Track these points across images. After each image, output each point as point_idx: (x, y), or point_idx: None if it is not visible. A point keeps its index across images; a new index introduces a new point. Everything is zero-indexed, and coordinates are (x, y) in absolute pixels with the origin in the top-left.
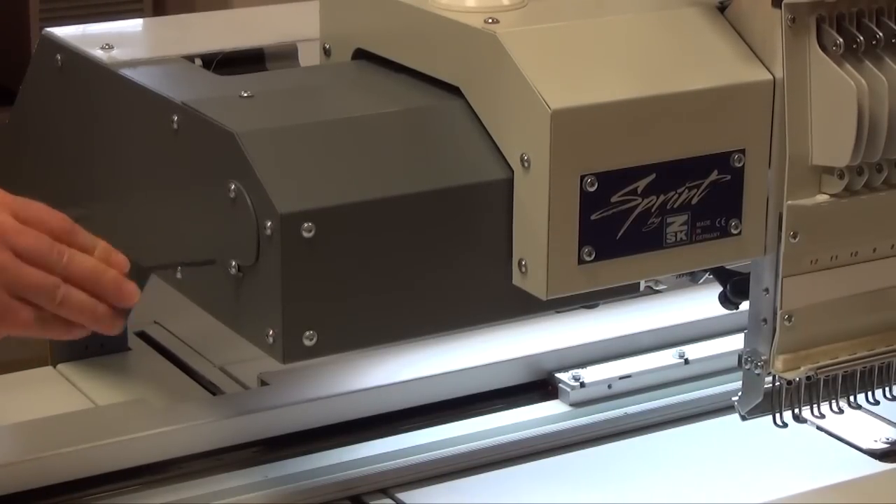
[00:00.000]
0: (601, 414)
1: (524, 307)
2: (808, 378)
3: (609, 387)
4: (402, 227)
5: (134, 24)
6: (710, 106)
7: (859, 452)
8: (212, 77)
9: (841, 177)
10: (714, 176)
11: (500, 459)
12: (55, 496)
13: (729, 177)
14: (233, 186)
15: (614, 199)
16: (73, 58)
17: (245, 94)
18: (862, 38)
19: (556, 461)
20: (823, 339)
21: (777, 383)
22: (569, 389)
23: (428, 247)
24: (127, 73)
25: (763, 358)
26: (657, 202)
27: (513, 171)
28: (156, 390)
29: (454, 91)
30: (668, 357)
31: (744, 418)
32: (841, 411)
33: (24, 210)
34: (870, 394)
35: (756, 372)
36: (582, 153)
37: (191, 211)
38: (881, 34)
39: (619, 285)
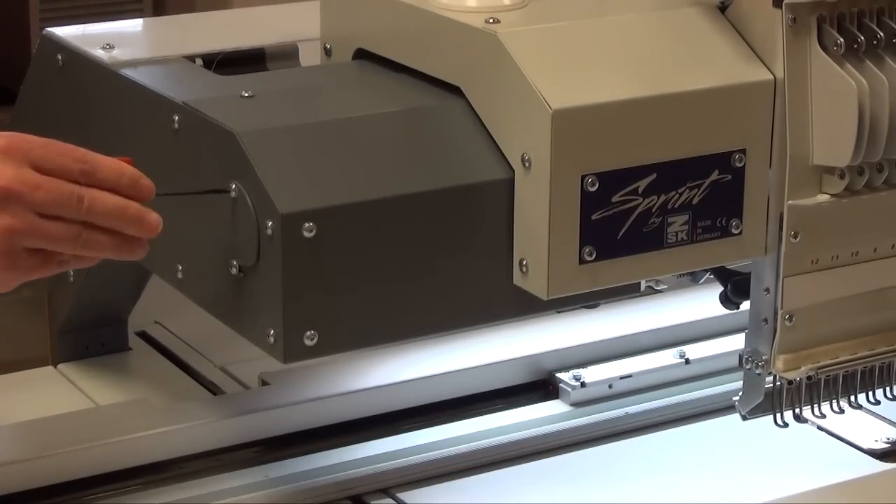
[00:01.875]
0: (602, 414)
1: (525, 307)
2: (809, 378)
3: (610, 387)
4: (403, 226)
5: (134, 24)
6: (710, 106)
7: (860, 452)
8: (213, 77)
9: (842, 177)
10: (715, 176)
11: (501, 459)
12: (55, 496)
13: (730, 177)
14: (234, 186)
15: (615, 198)
16: (74, 58)
17: (246, 94)
18: (863, 37)
19: (556, 461)
20: (824, 338)
21: (778, 383)
22: (569, 389)
23: (428, 247)
24: (128, 73)
25: (764, 358)
26: (658, 202)
27: (513, 171)
28: (156, 390)
29: (455, 91)
30: (668, 357)
31: (744, 418)
32: (841, 411)
33: (44, 158)
34: (870, 393)
35: (757, 372)
36: (583, 153)
37: (192, 211)
38: (882, 34)
39: (620, 285)
